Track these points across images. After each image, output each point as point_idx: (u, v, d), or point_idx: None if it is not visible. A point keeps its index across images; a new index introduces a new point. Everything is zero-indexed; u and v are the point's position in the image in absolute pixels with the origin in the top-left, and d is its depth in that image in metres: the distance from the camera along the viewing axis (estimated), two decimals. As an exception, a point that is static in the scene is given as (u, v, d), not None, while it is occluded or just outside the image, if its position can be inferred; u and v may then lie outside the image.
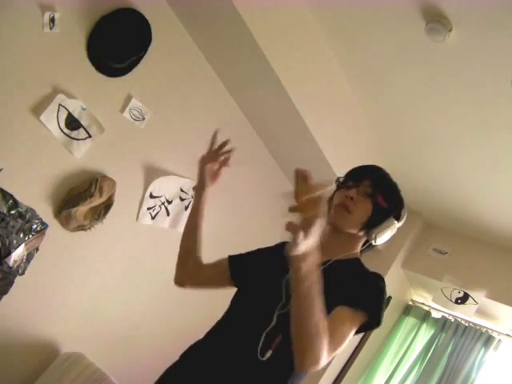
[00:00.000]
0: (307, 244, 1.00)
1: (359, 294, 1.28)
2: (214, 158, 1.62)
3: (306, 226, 0.97)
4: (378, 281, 1.36)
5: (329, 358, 1.14)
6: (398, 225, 1.47)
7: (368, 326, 1.29)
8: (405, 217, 1.50)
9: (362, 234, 1.43)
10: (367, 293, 1.31)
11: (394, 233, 1.47)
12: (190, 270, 1.60)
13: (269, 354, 1.24)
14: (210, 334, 1.43)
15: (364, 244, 1.47)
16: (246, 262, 1.57)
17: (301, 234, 0.97)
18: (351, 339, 1.27)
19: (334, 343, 1.17)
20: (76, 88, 2.16)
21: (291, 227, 0.98)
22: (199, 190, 1.64)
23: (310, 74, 2.62)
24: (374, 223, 1.41)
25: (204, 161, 1.64)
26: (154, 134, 2.49)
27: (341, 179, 1.48)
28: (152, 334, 2.77)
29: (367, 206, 1.40)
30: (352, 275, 1.36)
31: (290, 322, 1.11)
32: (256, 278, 1.46)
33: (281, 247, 1.58)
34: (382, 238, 1.44)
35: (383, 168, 1.51)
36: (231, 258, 1.61)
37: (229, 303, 1.49)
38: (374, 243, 1.44)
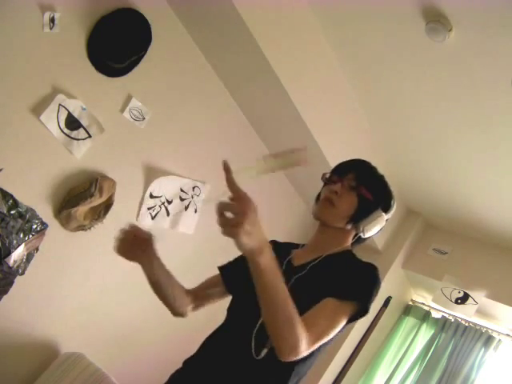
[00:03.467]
0: (251, 240, 0.98)
1: (347, 285, 1.27)
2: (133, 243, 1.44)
3: (235, 224, 0.96)
4: (368, 269, 1.35)
5: (311, 346, 1.14)
6: (386, 216, 1.46)
7: (357, 314, 1.27)
8: (394, 208, 1.48)
9: (349, 227, 1.42)
10: (356, 282, 1.30)
11: (383, 225, 1.46)
12: (184, 304, 1.57)
13: (264, 352, 1.24)
14: (208, 342, 1.43)
15: (354, 238, 1.46)
16: (236, 269, 1.56)
17: (236, 232, 0.96)
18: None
19: (317, 333, 1.17)
20: (76, 88, 2.16)
21: (224, 229, 0.97)
22: (146, 268, 1.49)
23: (310, 73, 2.62)
24: (360, 216, 1.40)
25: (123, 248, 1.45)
26: (153, 134, 2.49)
27: (327, 175, 1.49)
28: (152, 334, 2.77)
29: (352, 199, 1.40)
30: (342, 267, 1.35)
31: None
32: (243, 281, 1.47)
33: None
34: (371, 230, 1.43)
35: (368, 161, 1.50)
36: (223, 272, 1.60)
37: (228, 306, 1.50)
38: (362, 236, 1.44)
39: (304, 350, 1.12)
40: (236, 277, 1.52)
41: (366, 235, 1.44)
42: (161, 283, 1.50)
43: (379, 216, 1.42)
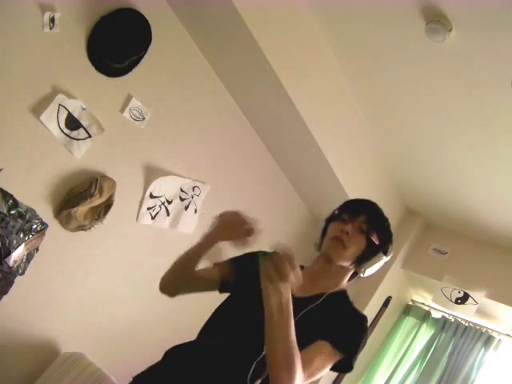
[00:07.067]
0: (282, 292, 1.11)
1: (342, 334, 1.33)
2: (237, 225, 1.45)
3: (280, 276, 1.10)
4: (362, 322, 1.42)
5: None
6: (385, 259, 1.52)
7: (341, 367, 1.34)
8: (392, 252, 1.55)
9: (351, 267, 1.48)
10: (350, 335, 1.36)
11: (380, 266, 1.53)
12: (186, 283, 1.60)
13: (257, 383, 1.28)
14: (197, 343, 1.45)
15: (352, 275, 1.52)
16: (239, 270, 1.56)
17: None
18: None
19: (310, 372, 1.23)
20: (76, 88, 2.16)
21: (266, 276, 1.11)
22: (209, 241, 1.51)
23: (310, 74, 2.62)
24: (365, 258, 1.46)
25: (225, 219, 1.48)
26: (154, 134, 2.49)
27: (336, 211, 1.52)
28: (152, 334, 2.77)
29: (361, 242, 1.45)
30: (338, 310, 1.41)
31: None
32: (250, 295, 1.39)
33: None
34: (371, 272, 1.51)
35: (377, 203, 1.55)
36: (235, 270, 1.57)
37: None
38: (362, 276, 1.51)
39: None
40: (241, 280, 1.52)
41: (366, 275, 1.51)
42: (197, 263, 1.54)
43: (381, 259, 1.49)
